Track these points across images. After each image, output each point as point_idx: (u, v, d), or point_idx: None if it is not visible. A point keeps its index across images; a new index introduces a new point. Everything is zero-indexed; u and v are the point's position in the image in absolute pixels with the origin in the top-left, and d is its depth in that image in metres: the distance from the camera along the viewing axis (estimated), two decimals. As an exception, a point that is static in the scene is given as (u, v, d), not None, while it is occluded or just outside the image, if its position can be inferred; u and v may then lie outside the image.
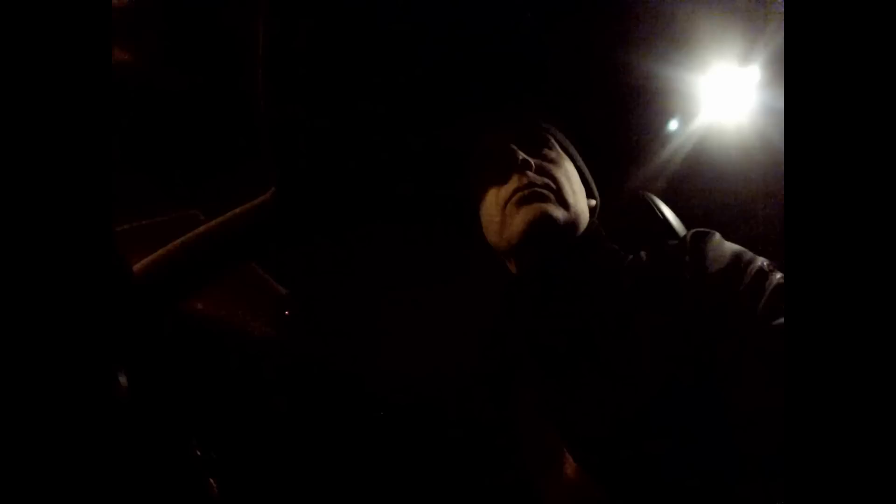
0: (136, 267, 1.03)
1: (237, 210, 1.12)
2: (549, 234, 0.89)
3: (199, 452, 0.76)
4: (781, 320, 0.69)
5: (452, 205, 1.06)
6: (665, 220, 1.10)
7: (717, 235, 0.85)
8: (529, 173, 0.91)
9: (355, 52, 1.06)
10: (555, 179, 0.92)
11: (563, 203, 0.91)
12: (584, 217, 0.95)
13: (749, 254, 0.80)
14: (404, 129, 1.14)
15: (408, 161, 1.15)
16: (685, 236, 0.87)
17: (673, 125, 1.26)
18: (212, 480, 0.76)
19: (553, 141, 0.99)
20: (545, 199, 0.89)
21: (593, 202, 1.03)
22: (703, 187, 1.30)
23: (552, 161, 0.95)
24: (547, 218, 0.88)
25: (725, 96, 1.21)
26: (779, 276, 0.75)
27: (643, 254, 0.90)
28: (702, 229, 0.86)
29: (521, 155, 0.92)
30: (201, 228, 1.10)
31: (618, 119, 1.22)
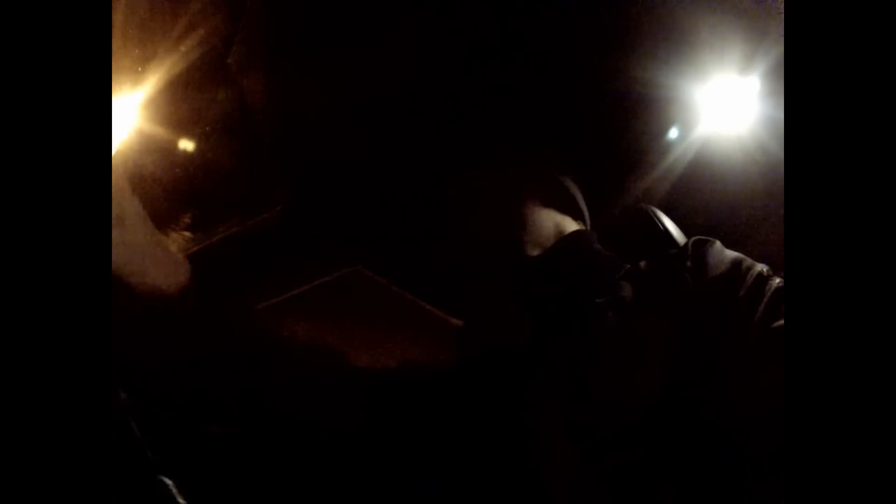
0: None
1: (248, 223, 1.21)
2: (500, 266, 0.94)
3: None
4: (780, 322, 0.70)
5: None
6: (666, 231, 1.10)
7: (718, 243, 0.86)
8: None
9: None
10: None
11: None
12: (539, 235, 0.96)
13: (749, 260, 0.82)
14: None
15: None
16: (686, 244, 0.87)
17: (672, 135, 1.26)
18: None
19: (509, 173, 1.00)
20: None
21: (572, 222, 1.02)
22: (703, 197, 1.30)
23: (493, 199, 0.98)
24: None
25: (725, 106, 1.21)
26: (777, 280, 0.76)
27: (643, 263, 0.91)
28: (702, 237, 0.87)
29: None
30: (218, 238, 1.20)
31: (617, 128, 1.22)
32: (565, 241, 0.94)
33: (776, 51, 1.06)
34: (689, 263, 0.83)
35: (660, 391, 0.74)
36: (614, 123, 1.21)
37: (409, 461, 0.94)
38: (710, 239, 0.86)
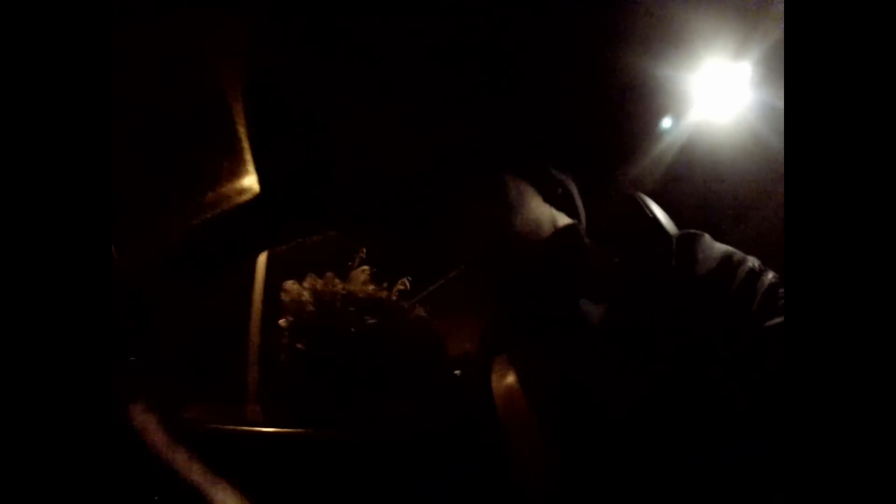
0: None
1: (228, 207, 1.23)
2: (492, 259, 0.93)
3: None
4: (776, 320, 0.69)
5: None
6: (655, 219, 1.10)
7: (707, 237, 0.85)
8: None
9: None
10: None
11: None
12: (534, 228, 0.94)
13: (739, 254, 0.80)
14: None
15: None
16: (674, 239, 0.86)
17: (664, 123, 1.26)
18: None
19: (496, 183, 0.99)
20: None
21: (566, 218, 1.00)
22: (694, 186, 1.30)
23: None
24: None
25: (717, 93, 1.20)
26: (770, 275, 0.75)
27: (632, 257, 0.90)
28: (691, 231, 0.86)
29: None
30: (197, 224, 1.23)
31: (608, 117, 1.21)
32: (556, 238, 0.93)
33: (768, 37, 1.05)
34: (675, 260, 0.82)
35: (650, 389, 0.74)
36: (605, 111, 1.20)
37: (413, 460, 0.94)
38: (699, 232, 0.86)
